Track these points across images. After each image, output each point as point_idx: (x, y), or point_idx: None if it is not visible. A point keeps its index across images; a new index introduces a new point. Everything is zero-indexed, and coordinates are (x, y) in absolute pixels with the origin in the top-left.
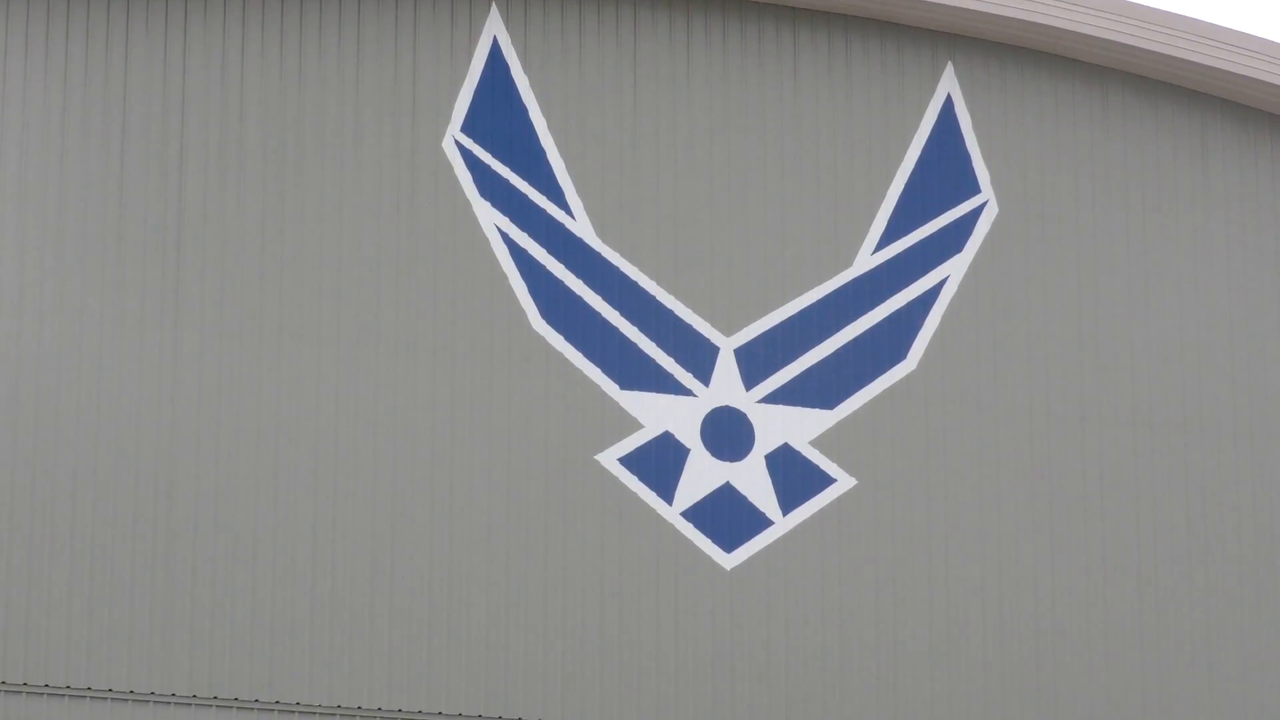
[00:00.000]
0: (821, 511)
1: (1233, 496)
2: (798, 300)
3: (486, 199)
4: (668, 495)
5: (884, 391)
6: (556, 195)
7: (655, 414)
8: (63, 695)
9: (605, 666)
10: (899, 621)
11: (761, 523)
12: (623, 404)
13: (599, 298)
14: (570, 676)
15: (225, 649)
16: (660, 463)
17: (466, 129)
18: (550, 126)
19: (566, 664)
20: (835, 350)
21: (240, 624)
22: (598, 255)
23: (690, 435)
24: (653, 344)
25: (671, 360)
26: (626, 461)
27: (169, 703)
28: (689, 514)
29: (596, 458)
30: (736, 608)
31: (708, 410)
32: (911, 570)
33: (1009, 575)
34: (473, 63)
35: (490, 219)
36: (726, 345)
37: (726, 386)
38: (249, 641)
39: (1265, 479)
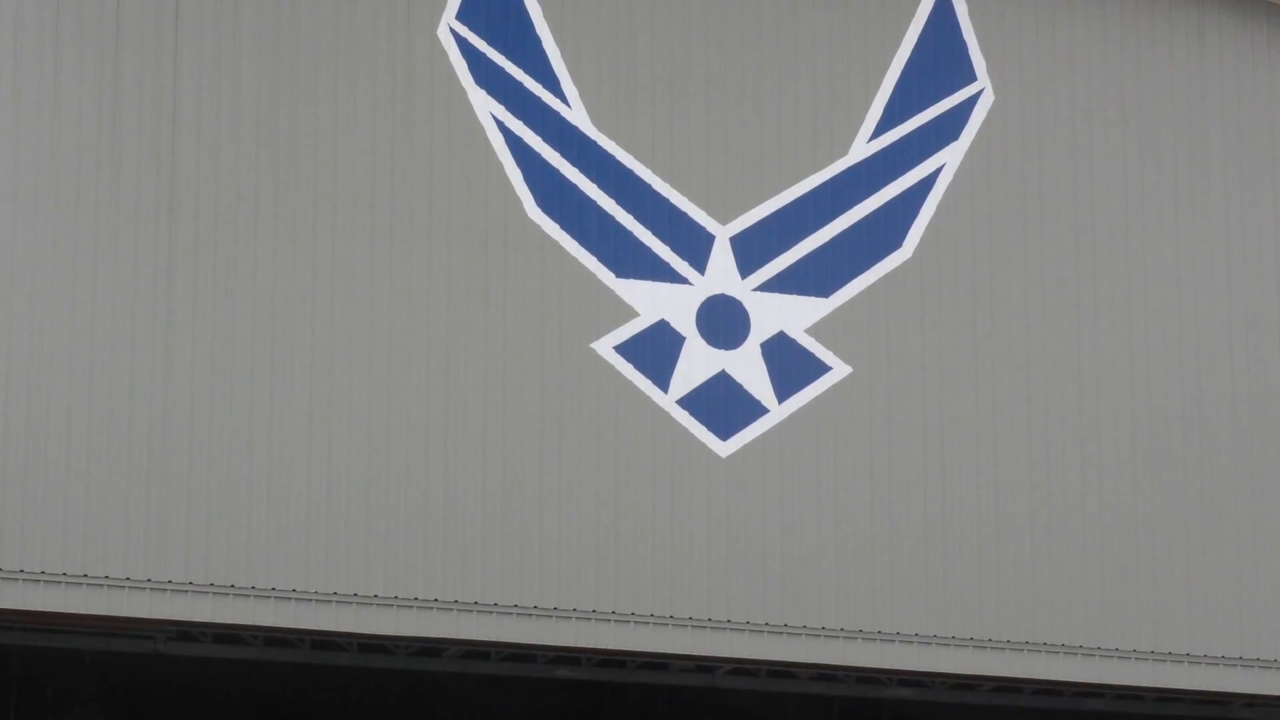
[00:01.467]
0: (817, 399)
1: (1227, 383)
2: (793, 189)
3: (482, 87)
4: (663, 383)
5: (880, 279)
6: (552, 83)
7: (651, 302)
8: (59, 582)
9: (601, 553)
10: (893, 507)
11: (757, 410)
12: (618, 292)
13: (594, 186)
14: (566, 563)
15: (221, 537)
16: (656, 351)
17: (462, 16)
18: (545, 14)
19: (562, 551)
20: (831, 238)
21: (236, 513)
22: (593, 144)
23: (686, 323)
24: (648, 232)
25: (667, 249)
26: (622, 349)
27: (165, 589)
28: (684, 402)
29: (592, 346)
30: (732, 495)
31: (703, 298)
32: (906, 457)
33: (1003, 461)
34: None
35: (486, 107)
36: (722, 233)
37: (722, 275)
38: (245, 530)
39: (1259, 369)
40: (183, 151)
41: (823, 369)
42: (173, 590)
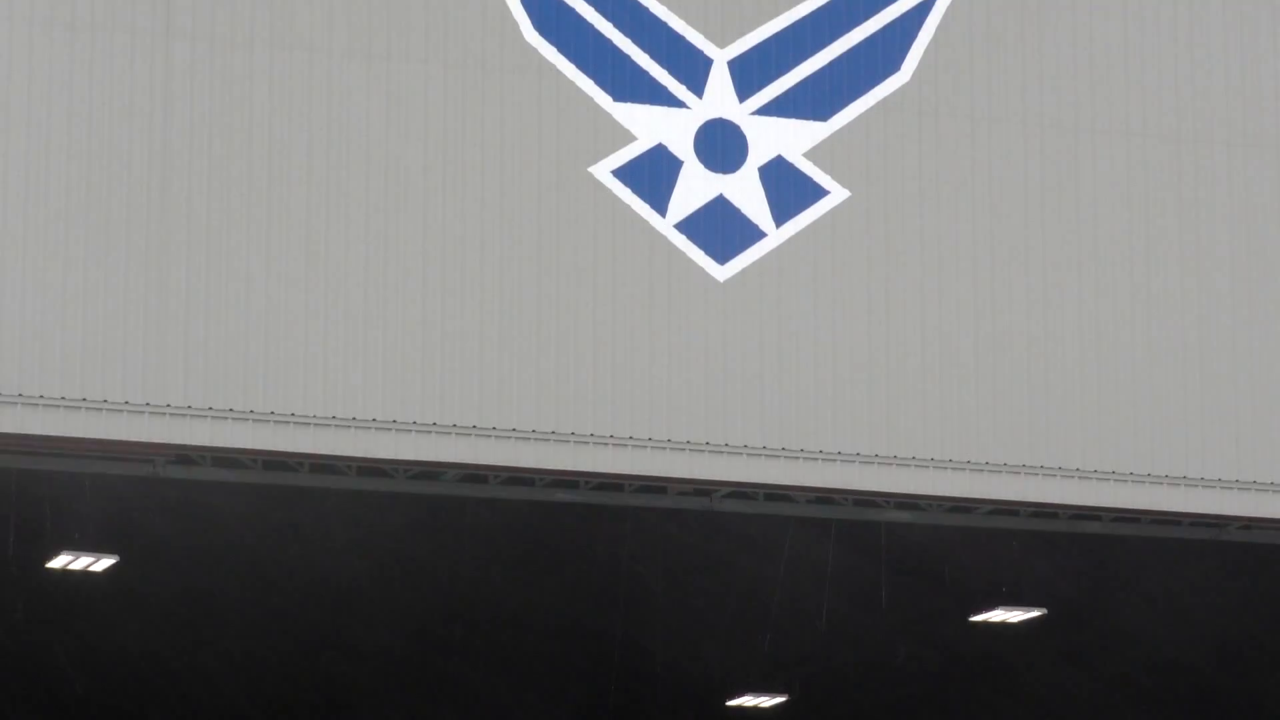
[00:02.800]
0: (815, 223)
1: (1225, 204)
2: (791, 11)
3: None
4: (661, 207)
5: (878, 103)
6: None
7: (648, 126)
8: (58, 406)
9: (598, 377)
10: (891, 331)
11: (754, 235)
12: (615, 116)
13: (591, 9)
14: (564, 387)
15: (220, 361)
16: (653, 175)
17: None
18: None
19: (560, 375)
20: (829, 62)
21: (235, 336)
22: None
23: (683, 147)
24: (646, 56)
25: (665, 72)
26: (620, 174)
27: (163, 413)
28: (682, 226)
29: (590, 170)
30: (730, 319)
31: (701, 122)
32: (903, 280)
33: (1000, 285)
34: None
35: None
36: (720, 57)
37: (720, 98)
38: (243, 353)
39: (1259, 191)
40: None
41: (820, 193)
42: (171, 414)
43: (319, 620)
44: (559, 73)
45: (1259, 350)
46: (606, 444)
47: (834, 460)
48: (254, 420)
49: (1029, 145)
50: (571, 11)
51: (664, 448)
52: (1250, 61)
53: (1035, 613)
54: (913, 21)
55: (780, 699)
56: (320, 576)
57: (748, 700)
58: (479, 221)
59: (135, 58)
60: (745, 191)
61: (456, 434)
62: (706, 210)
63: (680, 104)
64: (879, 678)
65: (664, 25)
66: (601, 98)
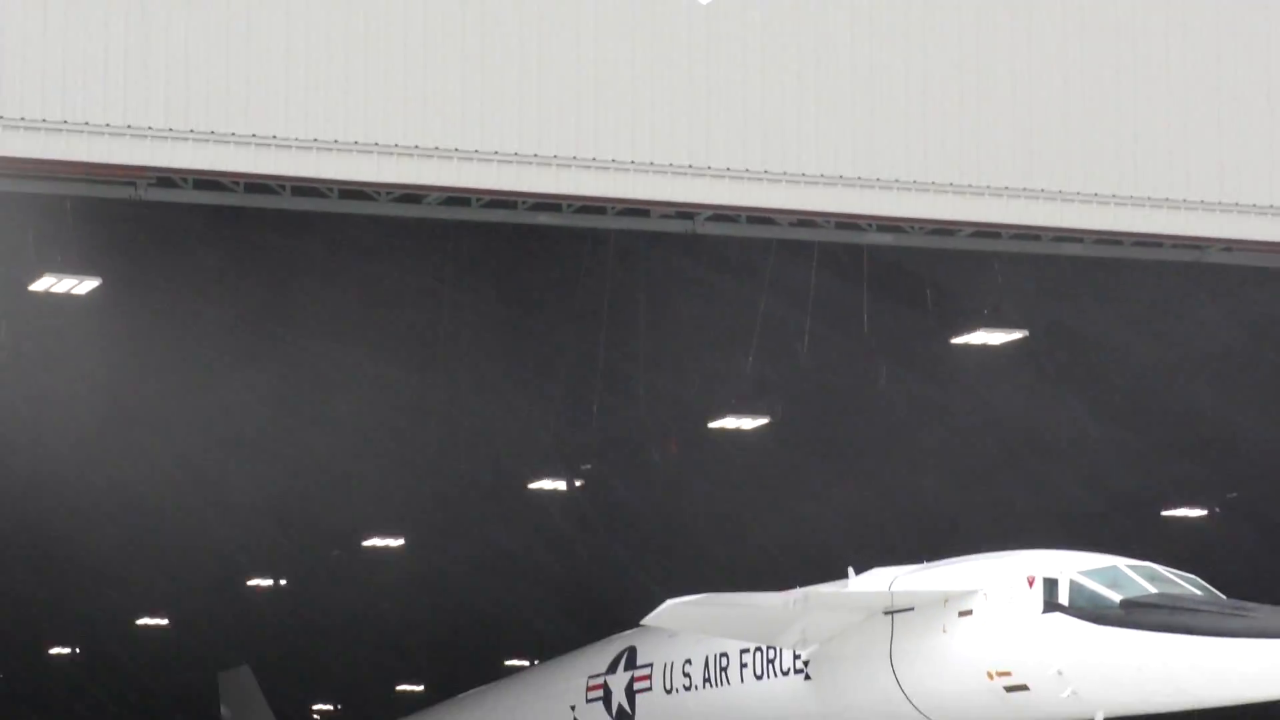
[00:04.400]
0: None
1: None
2: None
3: None
4: None
5: None
6: None
7: None
8: (39, 128)
9: (581, 101)
10: (874, 54)
11: None
12: None
13: None
14: (547, 111)
15: (203, 83)
16: None
17: None
18: None
19: (543, 99)
20: None
21: (217, 58)
22: None
23: None
24: None
25: None
26: None
27: (145, 135)
28: None
29: None
30: (712, 41)
31: None
32: (888, 3)
33: (985, 8)
34: None
35: None
36: None
37: None
38: (226, 76)
39: None
40: None
41: None
42: (153, 136)
43: (301, 347)
44: None
45: (1242, 73)
46: (589, 167)
47: (816, 183)
48: (236, 143)
49: None
50: None
51: (646, 170)
52: None
53: (1017, 335)
54: None
55: (762, 421)
56: (302, 303)
57: (729, 422)
58: None
59: None
60: None
61: (439, 157)
62: None
63: None
64: (860, 401)
65: None
66: None
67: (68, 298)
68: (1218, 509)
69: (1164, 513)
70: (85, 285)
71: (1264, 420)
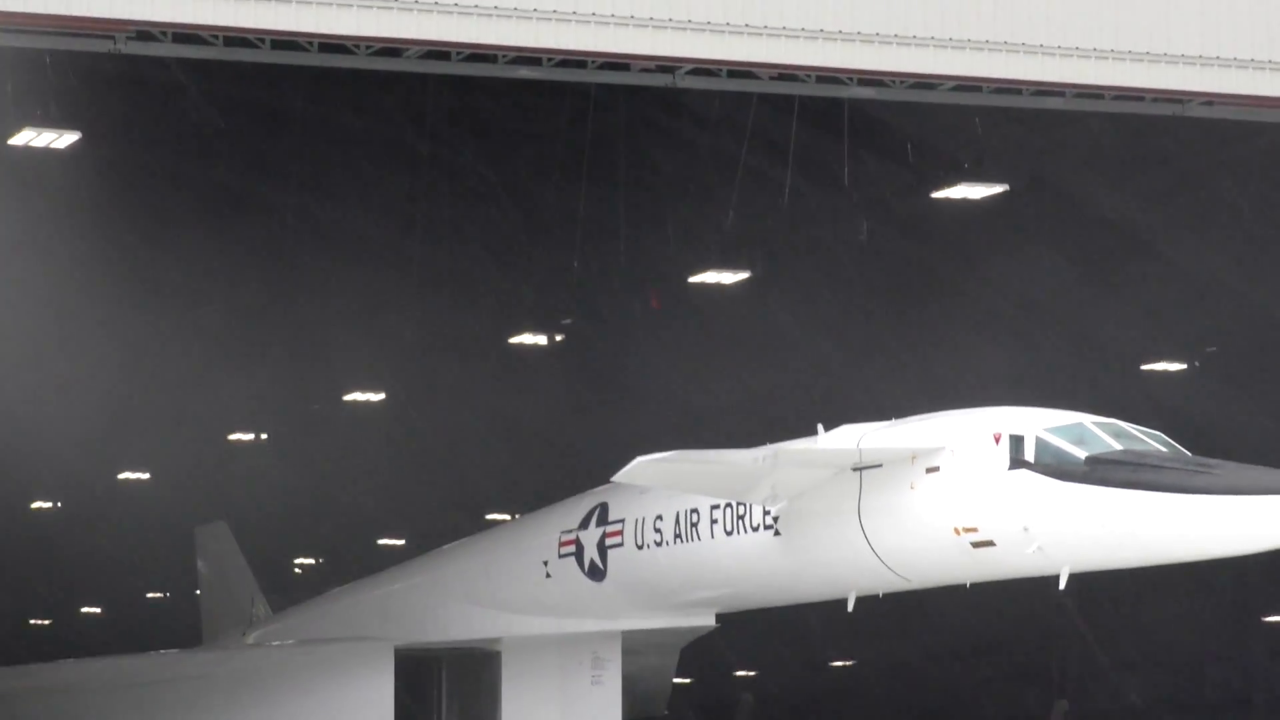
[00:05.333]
0: None
1: None
2: None
3: None
4: None
5: None
6: None
7: None
8: None
9: None
10: None
11: None
12: None
13: None
14: None
15: None
16: None
17: None
18: None
19: None
20: None
21: None
22: None
23: None
24: None
25: None
26: None
27: None
28: None
29: None
30: None
31: None
32: None
33: None
34: None
35: None
36: None
37: None
38: None
39: None
40: None
41: None
42: None
43: (280, 203)
44: None
45: None
46: (569, 20)
47: (797, 36)
48: None
49: None
50: None
51: (627, 24)
52: None
53: (997, 189)
54: None
55: (743, 275)
56: (282, 159)
57: (710, 277)
58: None
59: None
60: None
61: (419, 10)
62: None
63: None
64: (842, 255)
65: None
66: None
67: (47, 152)
68: (1197, 364)
69: (1143, 367)
70: (65, 139)
71: (1243, 274)
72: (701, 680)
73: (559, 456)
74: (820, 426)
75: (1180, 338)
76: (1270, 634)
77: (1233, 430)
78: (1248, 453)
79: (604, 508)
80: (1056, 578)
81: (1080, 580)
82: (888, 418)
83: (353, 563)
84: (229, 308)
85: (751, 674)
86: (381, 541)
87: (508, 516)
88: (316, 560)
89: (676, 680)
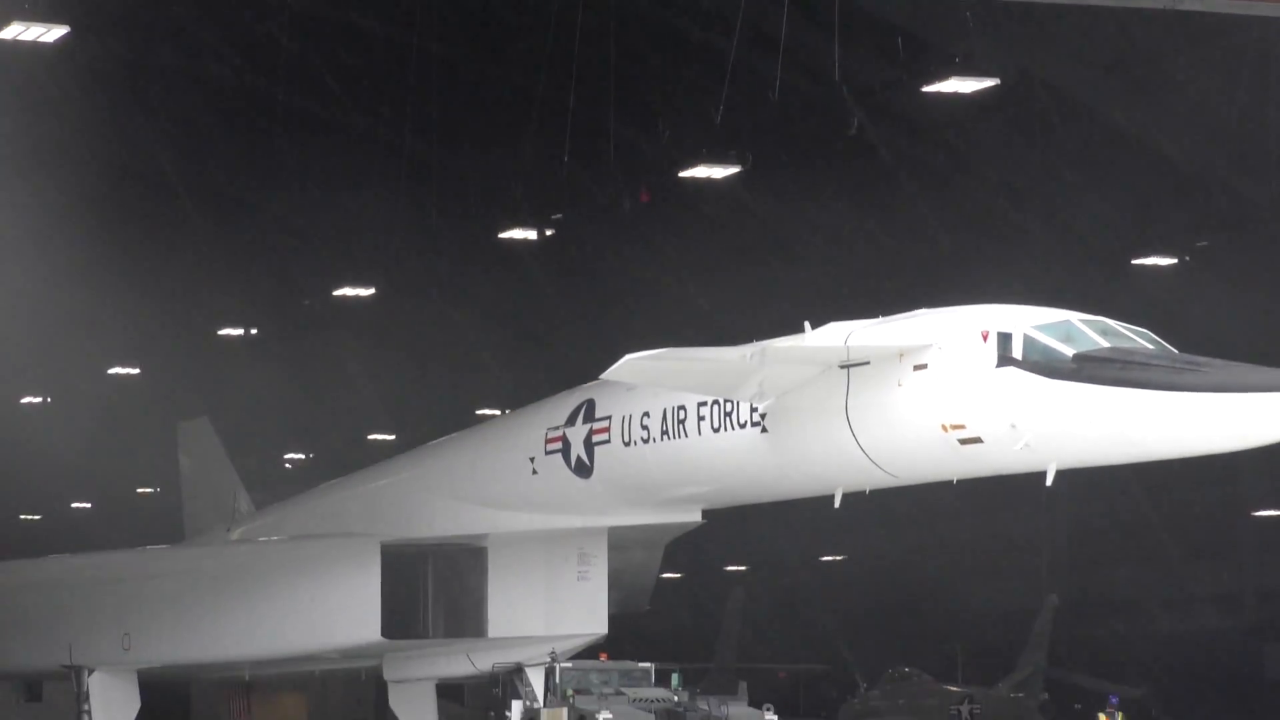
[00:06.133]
0: None
1: None
2: None
3: None
4: None
5: None
6: None
7: None
8: None
9: None
10: None
11: None
12: None
13: None
14: None
15: None
16: None
17: None
18: None
19: None
20: None
21: None
22: None
23: None
24: None
25: None
26: None
27: None
28: None
29: None
30: None
31: None
32: None
33: None
34: None
35: None
36: None
37: None
38: None
39: None
40: None
41: None
42: None
43: (270, 96)
44: None
45: None
46: None
47: None
48: None
49: None
50: None
51: None
52: None
53: (988, 83)
54: None
55: (733, 170)
56: (272, 50)
57: (700, 172)
58: None
59: None
60: None
61: None
62: None
63: None
64: (831, 151)
65: None
66: None
67: (36, 45)
68: (1187, 258)
69: (1134, 261)
70: (54, 33)
71: (1235, 167)
72: (692, 575)
73: (549, 352)
74: (807, 324)
75: (1171, 232)
76: (1262, 528)
77: (1224, 325)
78: (1240, 346)
79: (591, 404)
80: (1043, 474)
81: (1070, 476)
82: (877, 314)
83: (342, 458)
84: (218, 202)
85: (742, 569)
86: (372, 437)
87: (498, 412)
88: (307, 456)
89: (668, 575)
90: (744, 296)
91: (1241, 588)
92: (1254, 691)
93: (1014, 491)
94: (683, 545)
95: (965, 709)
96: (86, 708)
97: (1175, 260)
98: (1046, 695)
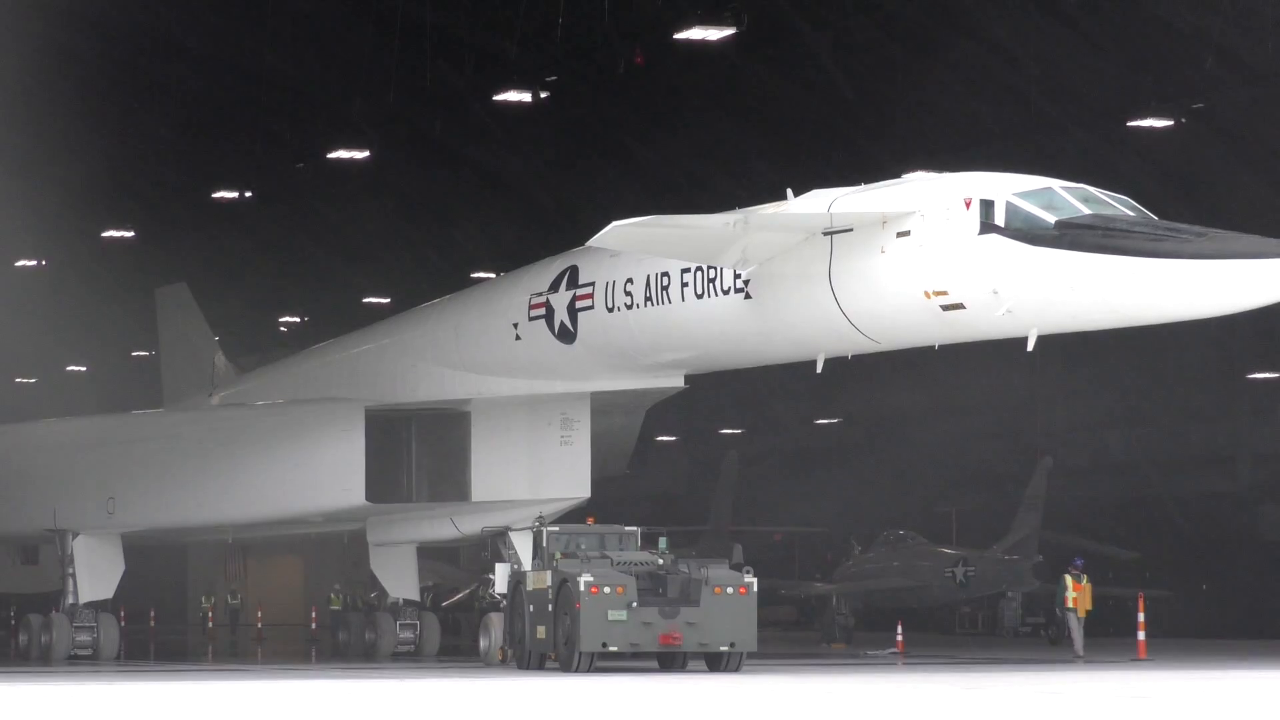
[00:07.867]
0: None
1: None
2: None
3: None
4: None
5: None
6: None
7: None
8: None
9: None
10: None
11: None
12: None
13: None
14: None
15: None
16: None
17: None
18: None
19: None
20: None
21: None
22: None
23: None
24: None
25: None
26: None
27: None
28: None
29: None
30: None
31: None
32: None
33: None
34: None
35: None
36: None
37: None
38: None
39: None
40: None
41: None
42: None
43: None
44: None
45: None
46: None
47: None
48: None
49: None
50: None
51: None
52: None
53: None
54: None
55: (728, 31)
56: None
57: (695, 33)
58: None
59: None
60: None
61: None
62: None
63: None
64: (828, 11)
65: None
66: None
67: None
68: (1183, 119)
69: (1130, 123)
70: None
71: (1233, 26)
72: (688, 438)
73: (543, 215)
74: (789, 191)
75: (1167, 93)
76: (1255, 390)
77: (1220, 187)
78: (1235, 208)
79: (574, 270)
80: (1025, 340)
81: (1062, 340)
82: (868, 181)
83: (337, 320)
84: (211, 64)
85: (737, 431)
86: (367, 300)
87: (493, 275)
88: (302, 319)
89: (664, 439)
90: (731, 159)
91: (1236, 450)
92: (1250, 552)
93: (1005, 355)
94: (676, 408)
95: (960, 571)
96: (71, 570)
97: (1171, 122)
98: (1041, 558)
